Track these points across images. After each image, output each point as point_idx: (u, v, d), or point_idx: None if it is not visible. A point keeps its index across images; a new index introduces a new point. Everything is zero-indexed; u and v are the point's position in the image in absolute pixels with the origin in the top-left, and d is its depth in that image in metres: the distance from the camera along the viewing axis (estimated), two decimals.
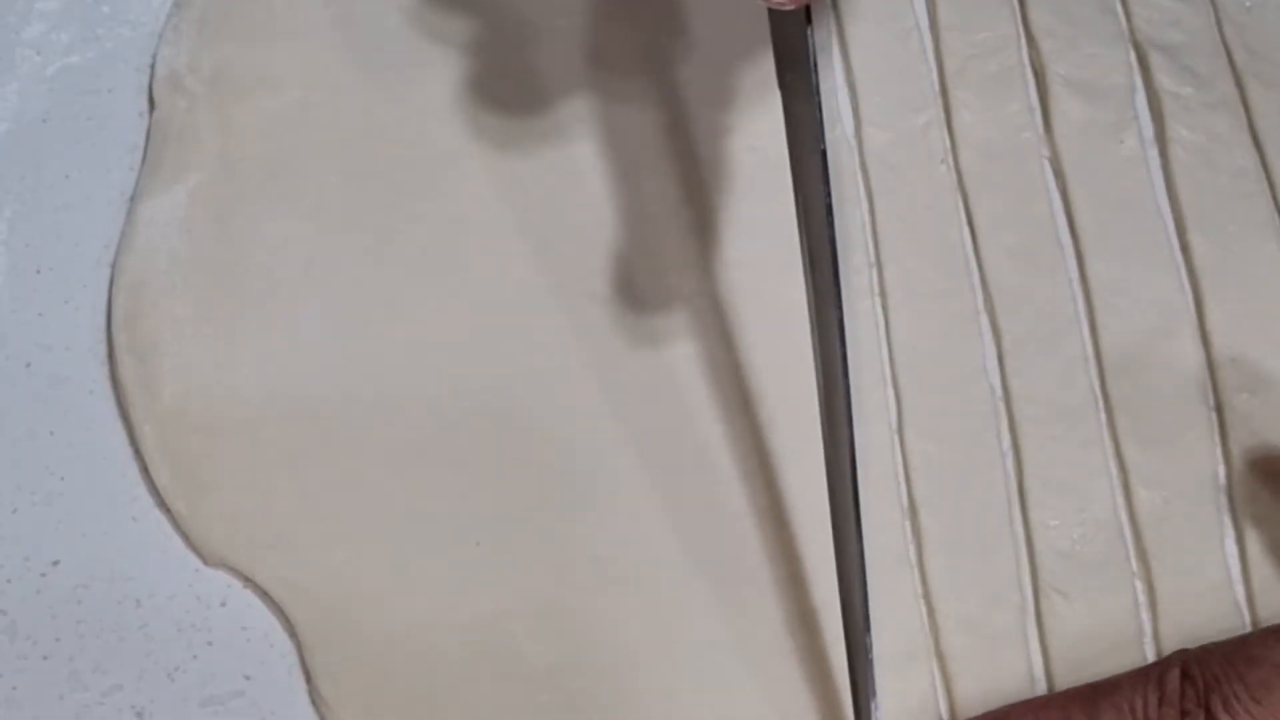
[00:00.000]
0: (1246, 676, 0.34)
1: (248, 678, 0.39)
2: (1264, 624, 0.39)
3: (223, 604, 0.39)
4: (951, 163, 0.43)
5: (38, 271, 0.42)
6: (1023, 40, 0.45)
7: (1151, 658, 0.39)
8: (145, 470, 0.40)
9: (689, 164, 0.43)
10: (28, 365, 0.41)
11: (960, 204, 0.43)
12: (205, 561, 0.39)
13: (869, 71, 0.44)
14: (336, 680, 0.38)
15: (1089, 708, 0.35)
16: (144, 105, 0.43)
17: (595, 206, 0.43)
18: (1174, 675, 0.35)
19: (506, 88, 0.44)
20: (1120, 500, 0.40)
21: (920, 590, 0.40)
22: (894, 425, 0.41)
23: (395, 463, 0.40)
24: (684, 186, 0.43)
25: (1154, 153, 0.44)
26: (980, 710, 0.38)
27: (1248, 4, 0.45)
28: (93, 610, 0.39)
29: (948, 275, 0.42)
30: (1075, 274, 0.43)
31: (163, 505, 0.40)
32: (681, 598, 0.39)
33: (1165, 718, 0.34)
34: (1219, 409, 0.41)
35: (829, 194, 0.32)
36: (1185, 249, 0.43)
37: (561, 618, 0.39)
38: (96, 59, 0.44)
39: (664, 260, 0.42)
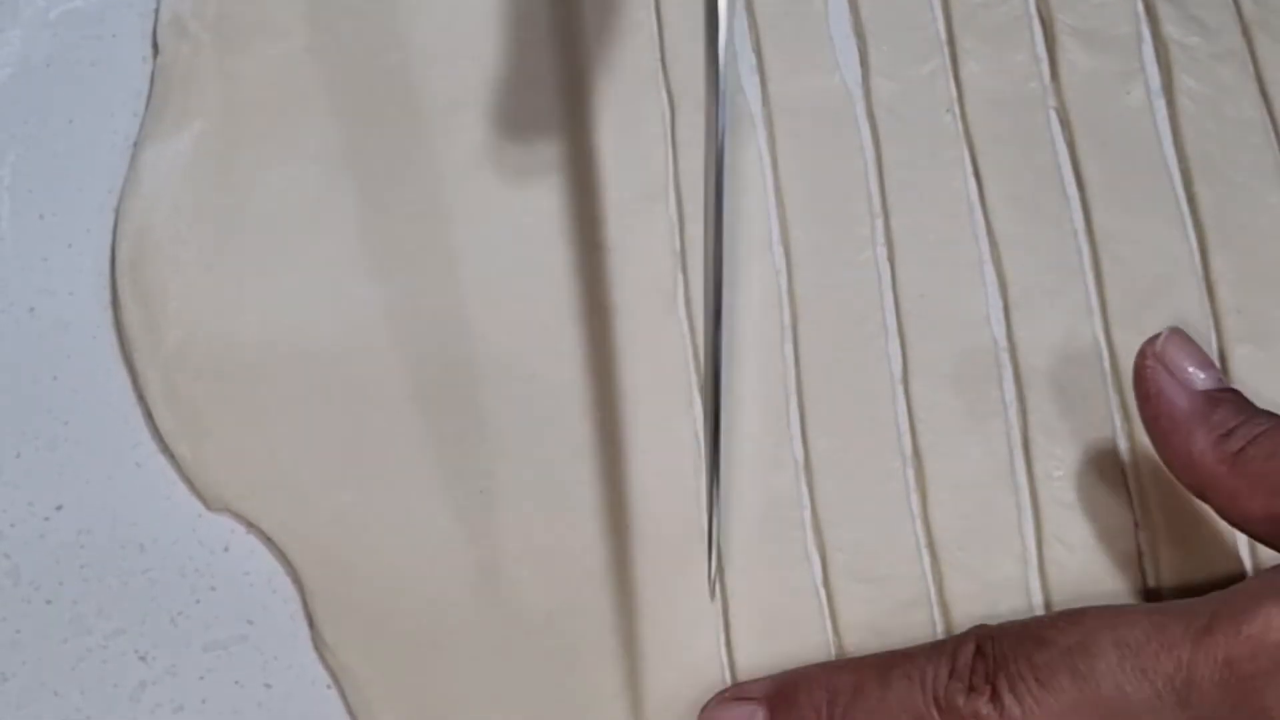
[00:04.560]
0: (1034, 657, 0.33)
1: (250, 622, 0.39)
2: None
3: (225, 549, 0.39)
4: (958, 112, 0.43)
5: (41, 217, 0.42)
6: None
7: None
8: (148, 415, 0.40)
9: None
10: (31, 310, 0.41)
11: (966, 153, 0.43)
12: (208, 506, 0.39)
13: (877, 20, 0.44)
14: (338, 625, 0.38)
15: (882, 674, 0.35)
16: (148, 50, 0.43)
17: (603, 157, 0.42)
18: (968, 650, 0.34)
19: (509, 35, 0.43)
20: (1124, 450, 0.40)
21: (924, 539, 0.40)
22: (898, 374, 0.41)
23: (399, 408, 0.40)
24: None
25: (1161, 103, 0.44)
26: None
27: None
28: (96, 555, 0.39)
29: (953, 224, 0.42)
30: (1081, 224, 0.42)
31: (166, 450, 0.40)
32: (683, 544, 0.39)
33: (952, 691, 0.34)
34: (1222, 359, 0.41)
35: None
36: (1191, 200, 0.43)
37: (564, 564, 0.39)
38: (100, 3, 0.43)
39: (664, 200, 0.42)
